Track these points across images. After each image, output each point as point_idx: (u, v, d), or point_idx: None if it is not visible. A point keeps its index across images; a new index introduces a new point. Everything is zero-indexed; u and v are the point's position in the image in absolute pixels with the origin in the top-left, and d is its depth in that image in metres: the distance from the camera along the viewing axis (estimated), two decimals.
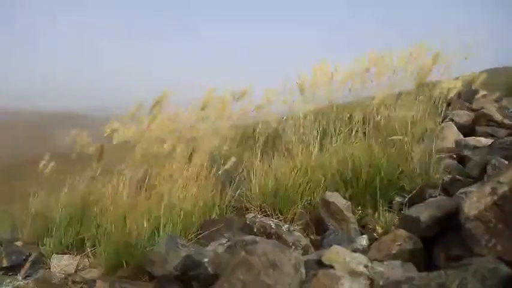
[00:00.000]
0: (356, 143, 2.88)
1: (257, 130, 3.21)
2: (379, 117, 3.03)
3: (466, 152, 2.88)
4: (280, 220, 2.39)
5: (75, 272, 2.16)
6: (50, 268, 2.18)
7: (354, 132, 3.01)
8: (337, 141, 2.98)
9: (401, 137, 2.80)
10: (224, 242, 1.83)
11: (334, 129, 3.07)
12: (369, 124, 3.04)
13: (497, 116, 3.98)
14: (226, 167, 2.70)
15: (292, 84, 3.22)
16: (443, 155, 2.98)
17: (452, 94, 2.90)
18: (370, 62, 3.28)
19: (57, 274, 2.12)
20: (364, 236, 1.96)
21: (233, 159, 2.70)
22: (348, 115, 3.23)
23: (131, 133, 2.44)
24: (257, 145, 2.92)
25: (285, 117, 3.73)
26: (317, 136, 2.98)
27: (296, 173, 2.61)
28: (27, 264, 2.16)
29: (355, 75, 3.32)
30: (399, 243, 1.49)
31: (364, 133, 2.97)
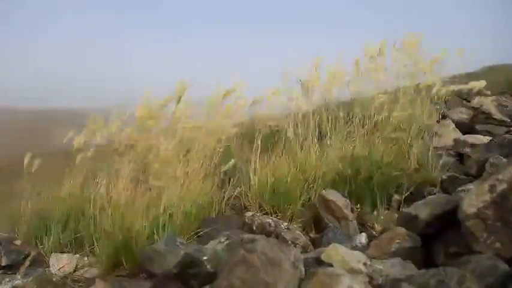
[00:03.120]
0: (355, 140, 2.88)
1: (256, 128, 3.20)
2: (378, 114, 3.03)
3: (465, 150, 2.88)
4: (279, 218, 2.39)
5: (74, 270, 2.16)
6: (49, 267, 2.18)
7: (353, 130, 3.02)
8: (336, 139, 2.98)
9: (400, 134, 2.80)
10: (223, 240, 1.83)
11: (334, 126, 3.07)
12: (368, 122, 3.04)
13: (496, 114, 3.98)
14: (226, 168, 2.70)
15: (292, 81, 3.22)
16: (442, 153, 2.98)
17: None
18: (371, 57, 3.28)
19: (56, 273, 2.12)
20: (363, 233, 1.97)
21: (233, 160, 2.70)
22: (348, 113, 3.23)
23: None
24: (256, 143, 2.92)
25: (284, 115, 3.73)
26: (316, 134, 2.98)
27: (295, 171, 2.61)
28: (26, 263, 2.16)
29: (355, 73, 3.32)
30: (398, 241, 1.49)
31: (364, 131, 2.97)
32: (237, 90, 2.76)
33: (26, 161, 2.66)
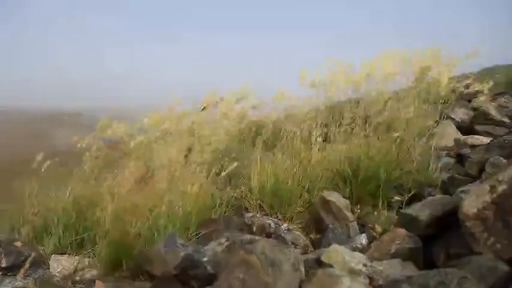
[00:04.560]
0: (356, 141, 2.88)
1: (258, 128, 3.20)
2: (379, 115, 3.03)
3: (465, 151, 2.88)
4: (280, 219, 2.39)
5: (74, 272, 2.15)
6: (49, 268, 2.18)
7: (354, 131, 3.01)
8: (338, 139, 2.98)
9: (399, 134, 2.80)
10: (223, 241, 1.83)
11: (335, 127, 3.07)
12: (369, 122, 3.04)
13: (496, 115, 3.98)
14: (228, 170, 2.70)
15: (294, 82, 3.22)
16: (442, 154, 2.98)
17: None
18: (374, 63, 3.28)
19: (57, 274, 2.12)
20: (363, 234, 1.96)
21: (235, 163, 2.70)
22: (349, 113, 3.23)
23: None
24: (257, 143, 2.92)
25: (286, 116, 3.73)
26: (318, 135, 2.98)
27: (296, 172, 2.61)
28: (27, 265, 2.15)
29: (357, 75, 3.32)
30: (398, 242, 1.49)
31: (365, 131, 2.97)
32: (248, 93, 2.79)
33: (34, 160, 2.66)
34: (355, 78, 3.28)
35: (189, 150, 2.60)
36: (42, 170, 2.60)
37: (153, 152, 2.49)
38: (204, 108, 2.70)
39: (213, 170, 2.69)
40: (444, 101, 3.49)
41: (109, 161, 2.73)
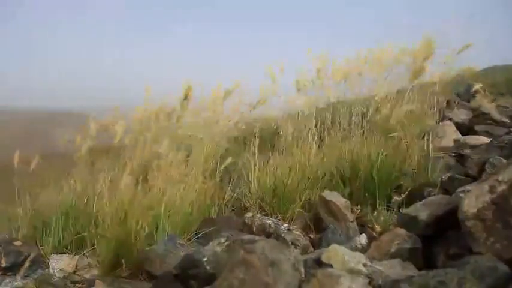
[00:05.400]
0: (355, 141, 2.88)
1: (256, 128, 3.20)
2: (377, 114, 3.03)
3: (465, 151, 2.88)
4: (279, 219, 2.39)
5: (74, 271, 2.15)
6: (48, 268, 2.18)
7: (352, 130, 3.02)
8: (336, 138, 2.98)
9: (399, 133, 2.80)
10: (223, 241, 1.83)
11: (333, 126, 3.07)
12: (368, 122, 3.04)
13: (496, 115, 3.98)
14: (224, 165, 2.70)
15: (290, 81, 3.22)
16: (442, 154, 2.98)
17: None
18: (369, 59, 3.28)
19: (56, 274, 2.12)
20: (363, 234, 1.96)
21: (230, 158, 2.71)
22: (347, 112, 3.23)
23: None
24: (256, 143, 2.92)
25: (283, 115, 3.73)
26: (316, 134, 2.98)
27: (295, 172, 2.61)
28: (26, 264, 2.15)
29: (353, 73, 3.32)
30: (398, 242, 1.49)
31: (363, 131, 2.97)
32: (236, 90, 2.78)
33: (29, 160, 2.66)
34: (352, 76, 3.28)
35: (191, 152, 2.60)
36: (30, 170, 2.60)
37: (153, 153, 2.49)
38: (185, 98, 2.65)
39: (212, 170, 2.69)
40: (444, 101, 3.49)
41: (104, 160, 2.72)
